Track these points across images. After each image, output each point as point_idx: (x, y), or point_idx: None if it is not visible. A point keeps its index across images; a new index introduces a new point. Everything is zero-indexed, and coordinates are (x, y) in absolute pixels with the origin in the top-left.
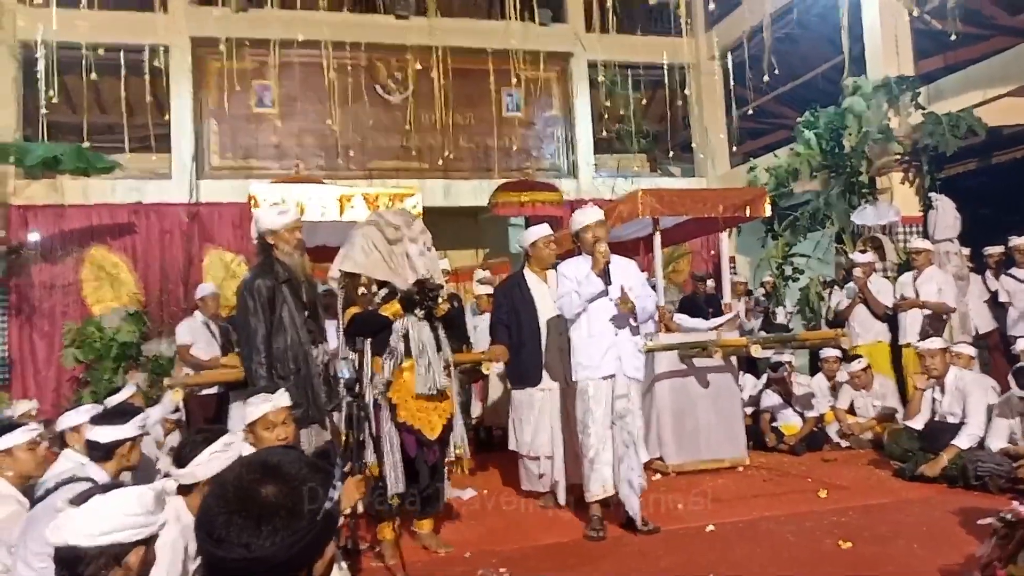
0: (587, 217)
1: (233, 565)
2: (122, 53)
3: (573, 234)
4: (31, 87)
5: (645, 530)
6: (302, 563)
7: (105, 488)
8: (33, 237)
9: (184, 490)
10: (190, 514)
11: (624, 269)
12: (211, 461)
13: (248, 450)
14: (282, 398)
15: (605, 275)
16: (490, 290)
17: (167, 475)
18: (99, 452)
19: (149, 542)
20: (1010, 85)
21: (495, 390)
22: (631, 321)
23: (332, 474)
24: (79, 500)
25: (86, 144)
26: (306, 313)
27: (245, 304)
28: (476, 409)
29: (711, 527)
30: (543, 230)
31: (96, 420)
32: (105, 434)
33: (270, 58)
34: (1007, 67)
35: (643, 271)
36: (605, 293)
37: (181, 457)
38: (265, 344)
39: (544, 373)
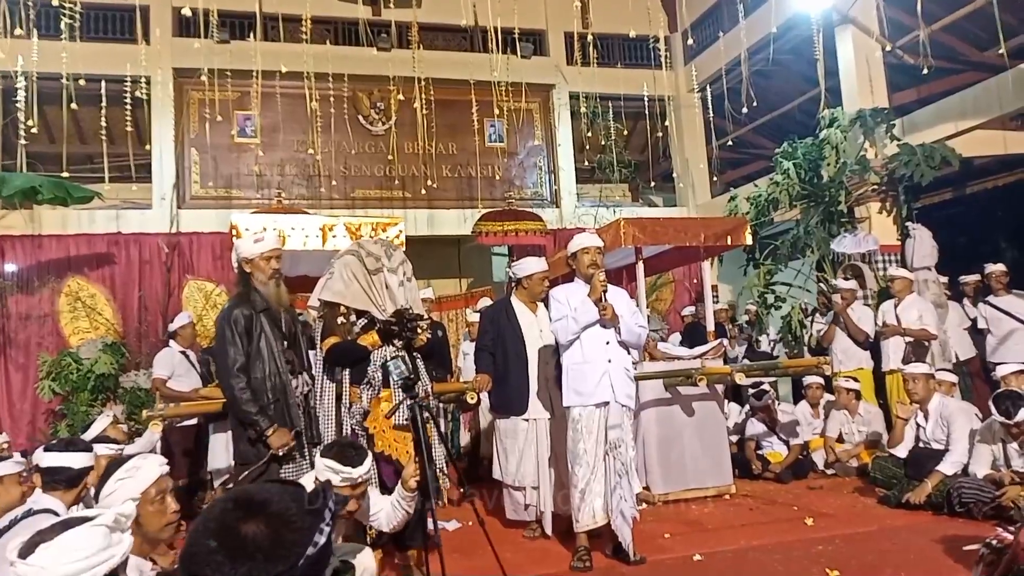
0: (587, 240)
1: None
2: (103, 83)
3: (570, 255)
4: (10, 117)
5: (633, 561)
6: None
7: (52, 530)
8: (9, 268)
9: None
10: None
11: (615, 297)
12: (118, 490)
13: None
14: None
15: (600, 303)
16: None
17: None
18: (60, 478)
19: (116, 573)
20: (981, 118)
21: (488, 419)
22: (617, 335)
23: (322, 516)
24: (25, 552)
25: (65, 174)
26: (285, 343)
27: (223, 334)
28: (464, 439)
29: (698, 557)
30: (542, 264)
31: (50, 448)
32: (63, 460)
33: (252, 88)
34: (978, 100)
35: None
36: (600, 320)
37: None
38: (244, 372)
39: (530, 403)
